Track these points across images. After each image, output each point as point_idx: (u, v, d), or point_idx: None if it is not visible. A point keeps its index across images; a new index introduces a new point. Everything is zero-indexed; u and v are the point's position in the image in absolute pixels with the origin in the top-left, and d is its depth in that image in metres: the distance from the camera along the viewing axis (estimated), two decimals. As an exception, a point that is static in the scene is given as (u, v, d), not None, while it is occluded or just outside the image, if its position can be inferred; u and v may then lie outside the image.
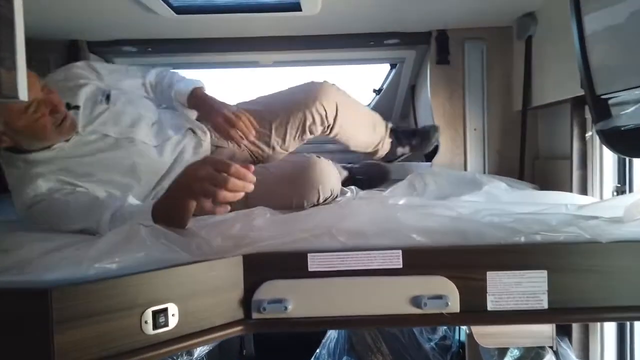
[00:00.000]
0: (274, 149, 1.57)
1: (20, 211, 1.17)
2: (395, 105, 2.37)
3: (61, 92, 1.25)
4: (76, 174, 1.20)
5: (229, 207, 0.87)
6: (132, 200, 1.08)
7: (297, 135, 1.54)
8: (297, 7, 1.56)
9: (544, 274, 0.85)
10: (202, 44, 1.98)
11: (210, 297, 0.81)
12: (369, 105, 2.42)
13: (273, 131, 1.52)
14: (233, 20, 1.68)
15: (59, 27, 1.78)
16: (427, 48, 1.99)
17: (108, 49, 1.99)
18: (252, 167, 0.86)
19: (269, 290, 0.85)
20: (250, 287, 0.85)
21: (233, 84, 2.41)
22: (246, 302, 0.85)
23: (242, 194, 0.85)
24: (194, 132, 1.45)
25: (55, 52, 1.91)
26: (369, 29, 1.88)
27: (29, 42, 0.56)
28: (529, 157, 1.83)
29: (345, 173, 1.72)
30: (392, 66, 2.23)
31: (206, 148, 1.48)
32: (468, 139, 1.92)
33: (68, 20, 1.70)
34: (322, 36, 1.91)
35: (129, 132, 1.32)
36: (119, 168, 1.25)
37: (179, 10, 1.58)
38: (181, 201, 0.91)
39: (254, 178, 0.85)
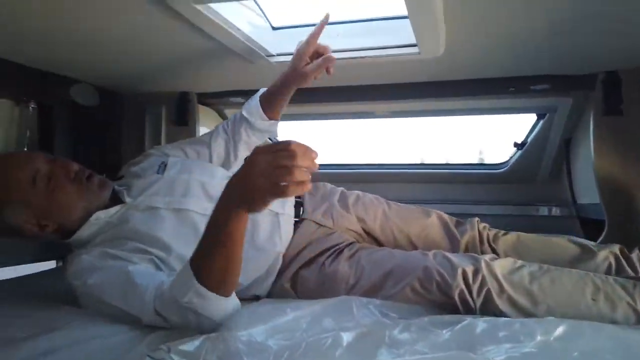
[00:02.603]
0: None
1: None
2: (542, 164, 1.91)
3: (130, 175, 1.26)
4: (117, 244, 1.06)
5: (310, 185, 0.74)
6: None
7: None
8: (413, 49, 1.27)
9: None
10: (312, 94, 1.77)
11: None
12: (507, 162, 2.00)
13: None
14: (344, 67, 1.45)
15: (170, 81, 1.75)
16: (588, 94, 1.53)
17: (217, 100, 1.92)
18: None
19: None
20: None
21: (344, 137, 2.19)
22: None
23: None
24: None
25: (167, 103, 1.89)
26: (509, 72, 1.50)
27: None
28: None
29: None
30: (540, 116, 1.79)
31: (287, 229, 1.23)
32: (652, 218, 1.40)
33: (179, 74, 1.65)
34: (449, 82, 1.58)
35: (179, 203, 1.16)
36: (165, 236, 1.09)
37: (279, 61, 1.41)
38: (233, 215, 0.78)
39: (316, 153, 0.74)
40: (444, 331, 0.78)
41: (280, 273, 1.19)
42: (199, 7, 1.03)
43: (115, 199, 1.17)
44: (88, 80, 1.72)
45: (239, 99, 1.86)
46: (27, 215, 1.06)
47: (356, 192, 1.41)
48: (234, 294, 0.90)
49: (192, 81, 1.76)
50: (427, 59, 1.31)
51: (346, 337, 0.73)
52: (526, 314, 0.96)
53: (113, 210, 1.14)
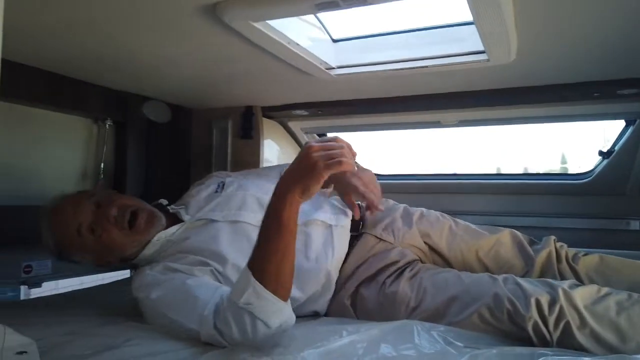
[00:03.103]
0: None
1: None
2: (632, 174, 1.73)
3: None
4: (179, 258, 1.10)
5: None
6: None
7: None
8: (482, 56, 1.19)
9: None
10: (378, 104, 1.74)
11: None
12: (591, 171, 1.83)
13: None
14: (408, 77, 1.39)
15: (236, 96, 1.79)
16: (687, 97, 1.37)
17: (280, 112, 1.93)
18: None
19: None
20: None
21: (412, 146, 2.12)
22: None
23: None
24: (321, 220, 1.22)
25: (233, 117, 1.93)
26: (591, 77, 1.37)
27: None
28: None
29: None
30: (629, 122, 1.62)
31: (340, 242, 1.20)
32: None
33: (243, 89, 1.68)
34: (522, 89, 1.47)
35: (234, 215, 1.20)
36: (221, 248, 1.11)
37: (340, 73, 1.38)
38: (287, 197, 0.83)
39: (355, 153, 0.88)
40: (514, 369, 0.71)
41: (340, 289, 1.15)
42: (257, 24, 1.03)
43: (175, 218, 1.22)
44: (160, 98, 1.80)
45: (302, 112, 1.87)
46: (89, 257, 1.17)
47: (420, 208, 1.34)
48: (289, 302, 0.88)
49: (256, 95, 1.79)
50: (497, 65, 1.22)
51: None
52: (612, 350, 0.85)
53: (173, 229, 1.19)
